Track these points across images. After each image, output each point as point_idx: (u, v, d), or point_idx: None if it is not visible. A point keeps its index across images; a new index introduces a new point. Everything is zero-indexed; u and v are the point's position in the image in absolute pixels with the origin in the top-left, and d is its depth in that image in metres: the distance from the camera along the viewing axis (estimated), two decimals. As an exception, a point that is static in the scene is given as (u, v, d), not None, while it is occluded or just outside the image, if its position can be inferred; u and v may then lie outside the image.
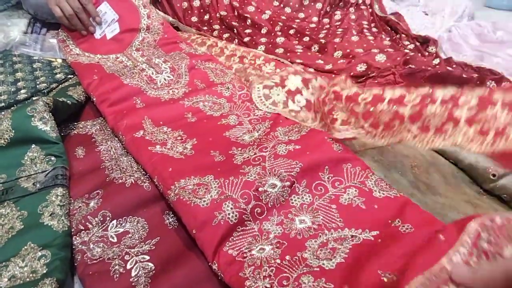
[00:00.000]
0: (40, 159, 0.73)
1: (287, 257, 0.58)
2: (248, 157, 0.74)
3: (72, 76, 1.04)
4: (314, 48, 1.17)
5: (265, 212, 0.65)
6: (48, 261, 0.57)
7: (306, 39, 1.22)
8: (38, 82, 0.98)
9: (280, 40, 1.19)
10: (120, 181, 0.74)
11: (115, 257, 0.62)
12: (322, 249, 0.58)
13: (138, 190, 0.72)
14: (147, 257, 0.62)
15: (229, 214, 0.62)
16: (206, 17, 1.32)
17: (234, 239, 0.61)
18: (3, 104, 0.88)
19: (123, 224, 0.67)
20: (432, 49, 1.21)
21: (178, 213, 0.65)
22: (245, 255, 0.58)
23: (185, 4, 1.35)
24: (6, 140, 0.74)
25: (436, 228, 0.57)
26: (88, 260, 0.61)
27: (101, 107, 0.89)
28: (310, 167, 0.70)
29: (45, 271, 0.55)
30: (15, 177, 0.71)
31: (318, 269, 0.55)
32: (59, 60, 1.11)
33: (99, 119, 0.91)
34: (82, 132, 0.87)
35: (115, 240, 0.64)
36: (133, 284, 0.58)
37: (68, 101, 0.88)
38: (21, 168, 0.72)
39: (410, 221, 0.60)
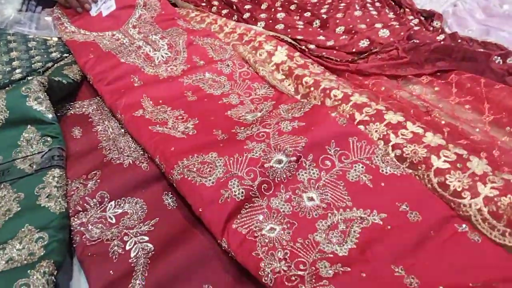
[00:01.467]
0: (36, 140, 0.72)
1: (299, 240, 0.58)
2: (251, 133, 0.72)
3: (67, 54, 1.02)
4: (316, 23, 1.14)
5: (272, 187, 0.64)
6: (45, 243, 0.56)
7: (307, 14, 1.18)
8: (33, 61, 0.96)
9: (280, 16, 1.16)
10: (118, 161, 0.72)
11: (113, 238, 0.61)
12: (333, 232, 0.58)
13: (136, 171, 0.71)
14: (146, 238, 0.61)
15: (235, 191, 0.61)
16: None
17: (242, 216, 0.60)
18: (-2, 84, 0.86)
19: (122, 205, 0.66)
20: (437, 23, 1.18)
21: (182, 193, 0.64)
22: (255, 234, 0.58)
23: None
24: (1, 121, 0.72)
25: (442, 216, 0.60)
26: (87, 242, 0.60)
27: (98, 86, 0.87)
28: (316, 141, 0.69)
29: (42, 253, 0.54)
30: (11, 158, 0.70)
31: (332, 255, 0.55)
32: (55, 39, 1.08)
33: (96, 98, 0.89)
34: (78, 112, 0.86)
35: (114, 221, 0.63)
36: (132, 265, 0.57)
37: (64, 81, 0.86)
38: (17, 149, 0.71)
39: (417, 207, 0.61)
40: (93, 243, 0.60)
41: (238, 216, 0.60)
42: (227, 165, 0.65)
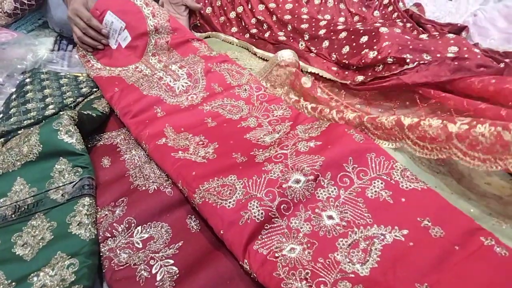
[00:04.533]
0: (67, 171, 0.76)
1: (320, 259, 0.58)
2: (269, 155, 0.74)
3: (96, 89, 1.08)
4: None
5: (292, 207, 0.65)
6: (76, 269, 0.59)
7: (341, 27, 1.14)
8: (65, 97, 1.02)
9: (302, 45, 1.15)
10: (144, 188, 0.75)
11: (140, 262, 0.63)
12: (353, 251, 0.59)
13: (161, 196, 0.73)
14: (171, 261, 0.63)
15: (255, 212, 0.62)
16: (243, 24, 1.32)
17: (263, 237, 0.61)
18: (32, 120, 0.92)
19: (148, 230, 0.68)
20: (464, 34, 1.17)
21: (204, 216, 0.66)
22: (276, 254, 0.59)
23: (222, 18, 1.37)
24: (35, 155, 0.77)
25: (466, 230, 0.58)
26: (115, 267, 0.63)
27: (124, 119, 0.92)
28: (333, 159, 0.69)
29: (73, 279, 0.57)
30: (44, 189, 0.74)
31: (353, 275, 0.55)
32: (85, 75, 1.14)
33: (123, 129, 0.94)
34: (107, 143, 0.90)
35: (141, 245, 0.66)
36: (158, 288, 0.59)
37: (93, 114, 0.91)
38: (50, 180, 0.75)
39: (440, 222, 0.60)
40: (121, 268, 0.63)
41: (259, 237, 0.61)
42: (246, 187, 0.67)
